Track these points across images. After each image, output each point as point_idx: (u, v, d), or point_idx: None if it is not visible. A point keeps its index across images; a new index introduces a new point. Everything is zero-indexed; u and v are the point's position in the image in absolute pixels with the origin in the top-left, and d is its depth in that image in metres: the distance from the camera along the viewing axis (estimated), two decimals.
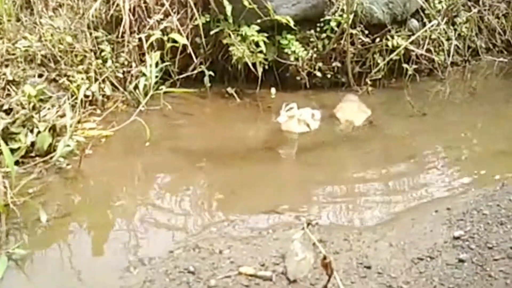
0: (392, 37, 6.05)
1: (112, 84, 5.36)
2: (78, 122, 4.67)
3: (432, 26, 6.32)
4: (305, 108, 5.13)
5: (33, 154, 4.25)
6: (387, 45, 6.03)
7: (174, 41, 5.54)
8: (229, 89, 5.78)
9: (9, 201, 3.53)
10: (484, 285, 2.90)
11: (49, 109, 4.66)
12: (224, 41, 5.69)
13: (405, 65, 6.19)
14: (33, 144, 4.26)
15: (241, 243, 3.31)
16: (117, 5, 5.49)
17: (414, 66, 6.24)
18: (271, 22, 5.63)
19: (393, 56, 6.03)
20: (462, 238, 3.28)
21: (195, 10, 5.65)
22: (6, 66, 4.88)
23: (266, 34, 5.65)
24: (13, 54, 4.98)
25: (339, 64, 6.00)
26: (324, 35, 5.91)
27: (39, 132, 4.30)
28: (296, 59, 5.84)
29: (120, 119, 4.92)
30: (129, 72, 5.48)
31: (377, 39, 6.05)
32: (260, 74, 5.69)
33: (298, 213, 3.69)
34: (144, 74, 5.34)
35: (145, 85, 5.28)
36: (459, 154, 4.69)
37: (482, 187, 4.01)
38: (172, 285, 2.92)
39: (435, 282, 2.94)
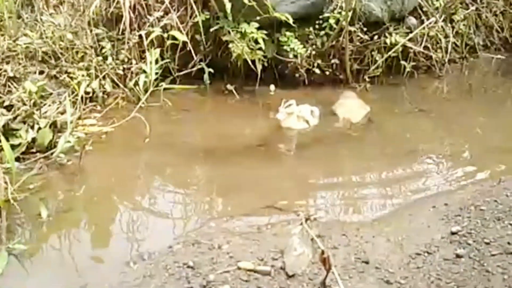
0: (390, 34, 6.07)
1: (113, 80, 5.38)
2: (79, 118, 4.69)
3: (430, 23, 6.35)
4: (304, 105, 5.14)
5: (33, 150, 4.26)
6: (385, 43, 6.05)
7: (174, 38, 5.55)
8: (229, 86, 5.80)
9: (9, 196, 3.54)
10: (482, 280, 2.91)
11: (49, 105, 4.68)
12: (224, 38, 5.70)
13: (403, 62, 6.22)
14: (33, 140, 4.27)
15: (240, 238, 3.32)
16: (117, 2, 5.50)
17: (412, 63, 6.27)
18: (270, 19, 5.63)
19: (391, 53, 6.06)
20: (459, 233, 3.29)
21: (195, 7, 5.65)
22: (7, 62, 4.89)
23: (265, 31, 5.65)
24: (14, 51, 5.00)
25: (337, 61, 6.03)
26: (322, 32, 5.93)
27: (39, 128, 4.31)
28: (295, 56, 5.86)
29: (120, 115, 4.93)
30: (129, 69, 5.49)
31: (376, 37, 6.07)
32: (259, 71, 5.69)
33: (296, 208, 3.70)
34: (144, 71, 5.36)
35: (145, 82, 5.29)
36: (456, 150, 4.71)
37: (479, 182, 4.04)
38: (172, 280, 2.93)
39: (432, 277, 2.95)
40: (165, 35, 5.58)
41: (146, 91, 5.24)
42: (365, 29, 6.01)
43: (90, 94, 5.12)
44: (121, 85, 5.41)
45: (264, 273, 2.97)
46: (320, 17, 5.93)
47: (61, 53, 5.17)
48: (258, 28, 5.63)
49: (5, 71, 4.78)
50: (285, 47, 5.85)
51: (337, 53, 6.04)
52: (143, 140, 4.68)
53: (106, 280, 2.96)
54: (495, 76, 6.75)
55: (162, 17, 5.65)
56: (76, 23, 5.46)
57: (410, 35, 6.17)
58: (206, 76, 5.82)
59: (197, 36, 5.78)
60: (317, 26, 5.94)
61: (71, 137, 4.30)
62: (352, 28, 5.90)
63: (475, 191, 3.84)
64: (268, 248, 3.19)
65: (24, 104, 4.48)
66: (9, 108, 4.46)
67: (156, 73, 5.38)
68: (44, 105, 4.64)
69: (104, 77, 5.28)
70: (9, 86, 4.71)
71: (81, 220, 3.63)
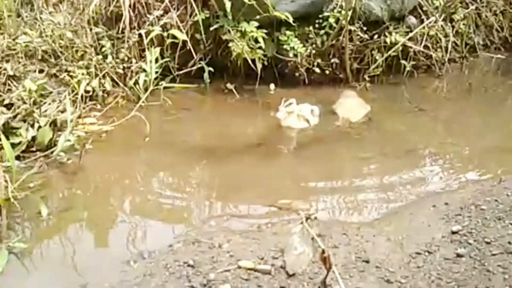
0: (390, 33, 6.07)
1: (112, 79, 5.37)
2: (79, 117, 4.70)
3: (430, 23, 6.35)
4: (304, 104, 5.14)
5: (34, 149, 4.26)
6: (385, 42, 6.04)
7: (174, 37, 5.54)
8: (229, 85, 5.80)
9: (10, 195, 3.53)
10: (482, 280, 2.91)
11: (49, 104, 4.68)
12: (224, 37, 5.69)
13: (403, 62, 6.21)
14: (33, 138, 4.27)
15: (240, 237, 3.32)
16: (117, 1, 5.49)
17: (412, 63, 6.27)
18: (270, 18, 5.63)
19: (391, 52, 6.05)
20: (460, 233, 3.29)
21: (194, 6, 5.65)
22: (7, 61, 4.88)
23: (265, 30, 5.65)
24: (14, 50, 4.98)
25: (337, 61, 6.02)
26: (322, 31, 5.93)
27: (39, 127, 4.31)
28: (295, 55, 5.86)
29: (120, 114, 4.93)
30: (129, 67, 5.48)
31: (375, 36, 6.07)
32: (259, 70, 5.69)
33: (297, 207, 3.69)
34: (144, 70, 5.35)
35: (145, 81, 5.29)
36: (456, 150, 4.71)
37: (479, 182, 4.04)
38: (172, 278, 2.93)
39: (433, 276, 2.95)
40: (165, 34, 5.57)
41: (146, 90, 5.24)
42: (365, 28, 6.00)
43: (90, 93, 5.11)
44: (121, 84, 5.40)
45: (264, 272, 2.97)
46: (320, 16, 5.93)
47: (61, 52, 5.16)
48: (258, 27, 5.62)
49: (5, 69, 4.77)
50: (285, 46, 5.85)
51: (337, 52, 6.03)
52: (143, 139, 4.68)
53: (106, 278, 2.96)
54: (495, 76, 6.75)
55: (162, 15, 5.64)
56: (75, 22, 5.45)
57: (410, 35, 6.16)
58: (206, 75, 5.81)
59: (197, 35, 5.77)
60: (317, 25, 5.94)
61: (71, 135, 4.30)
62: (352, 27, 5.90)
63: (475, 190, 3.84)
64: (268, 247, 3.19)
65: (24, 103, 4.47)
66: (9, 106, 4.45)
67: (156, 72, 5.38)
68: (44, 103, 4.64)
69: (104, 76, 5.28)
70: (9, 85, 4.70)
71: (81, 219, 3.61)
